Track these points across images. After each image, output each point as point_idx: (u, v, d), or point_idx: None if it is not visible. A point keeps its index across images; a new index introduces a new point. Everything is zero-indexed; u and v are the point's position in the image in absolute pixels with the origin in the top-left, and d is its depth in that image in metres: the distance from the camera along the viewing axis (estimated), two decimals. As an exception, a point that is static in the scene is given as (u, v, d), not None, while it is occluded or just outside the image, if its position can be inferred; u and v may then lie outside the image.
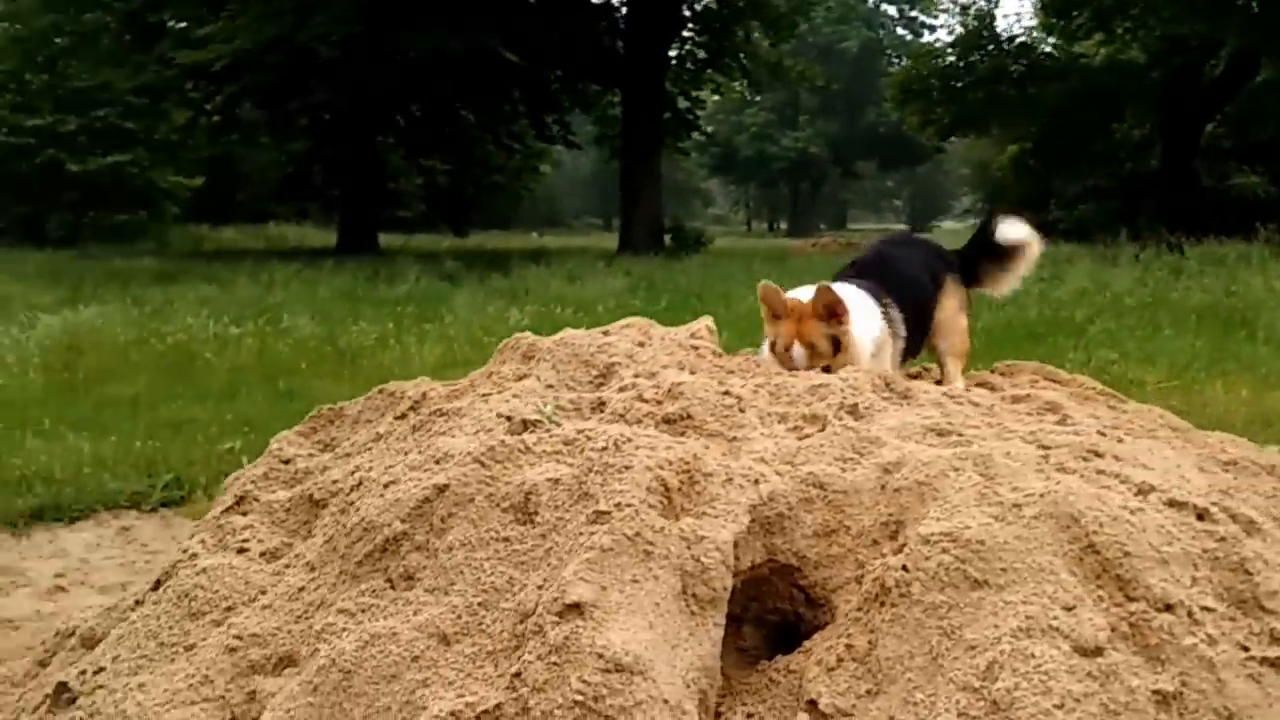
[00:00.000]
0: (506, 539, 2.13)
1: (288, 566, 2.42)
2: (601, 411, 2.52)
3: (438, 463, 2.31)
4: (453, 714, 1.83)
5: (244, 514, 2.72)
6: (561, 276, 18.58)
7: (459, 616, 2.02)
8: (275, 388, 9.15)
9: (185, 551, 2.59)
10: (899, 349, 3.43)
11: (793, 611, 2.24)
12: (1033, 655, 1.85)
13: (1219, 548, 2.12)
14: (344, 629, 2.08)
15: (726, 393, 2.55)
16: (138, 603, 2.51)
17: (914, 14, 73.14)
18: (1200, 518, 2.18)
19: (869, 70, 65.54)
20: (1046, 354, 9.95)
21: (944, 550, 2.02)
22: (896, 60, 60.67)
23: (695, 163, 66.78)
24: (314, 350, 11.01)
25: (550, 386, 2.71)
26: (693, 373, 2.75)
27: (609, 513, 2.06)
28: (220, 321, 12.42)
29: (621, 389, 2.60)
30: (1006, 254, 3.89)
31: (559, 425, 2.38)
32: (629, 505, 2.07)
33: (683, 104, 30.83)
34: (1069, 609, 1.93)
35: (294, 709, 1.96)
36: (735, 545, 2.13)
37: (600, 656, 1.85)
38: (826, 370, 3.16)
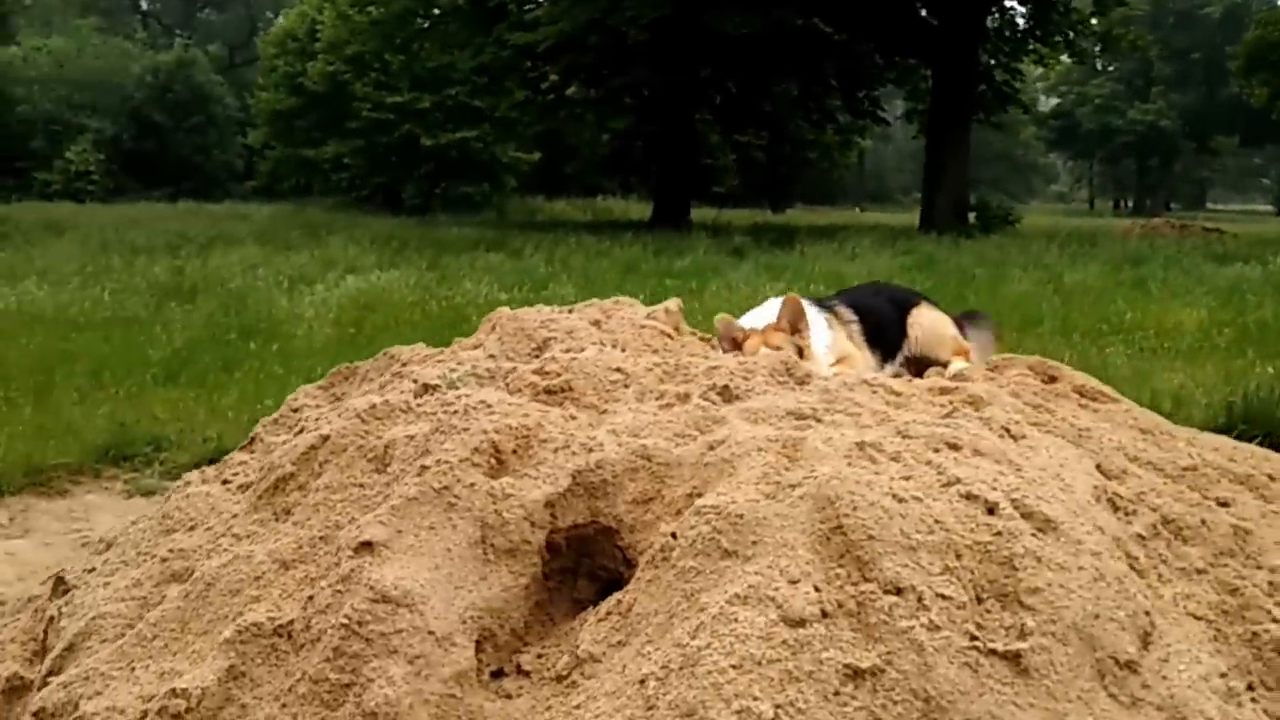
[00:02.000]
0: (361, 485, 2.48)
1: (246, 497, 2.87)
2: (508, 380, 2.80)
3: (340, 416, 2.68)
4: (254, 624, 2.20)
5: (251, 452, 3.22)
6: (843, 254, 18.54)
7: (300, 547, 2.39)
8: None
9: (184, 479, 3.11)
10: (866, 357, 3.60)
11: (615, 569, 2.44)
12: (735, 620, 1.98)
13: (993, 541, 2.14)
14: (225, 550, 2.50)
15: (618, 369, 2.76)
16: (144, 518, 3.05)
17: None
18: (990, 512, 2.20)
19: (1234, 38, 59.67)
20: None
21: (707, 521, 2.17)
22: (1266, 27, 54.89)
23: (1034, 135, 63.48)
24: (564, 317, 11.74)
25: (492, 356, 3.01)
26: (623, 350, 2.96)
27: (429, 467, 2.36)
28: (493, 287, 13.42)
29: (540, 362, 2.86)
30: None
31: (457, 389, 2.68)
32: (447, 462, 2.36)
33: (1000, 77, 29.51)
34: (794, 582, 2.04)
35: (168, 610, 2.40)
36: (551, 505, 2.37)
37: (371, 589, 2.15)
38: None
